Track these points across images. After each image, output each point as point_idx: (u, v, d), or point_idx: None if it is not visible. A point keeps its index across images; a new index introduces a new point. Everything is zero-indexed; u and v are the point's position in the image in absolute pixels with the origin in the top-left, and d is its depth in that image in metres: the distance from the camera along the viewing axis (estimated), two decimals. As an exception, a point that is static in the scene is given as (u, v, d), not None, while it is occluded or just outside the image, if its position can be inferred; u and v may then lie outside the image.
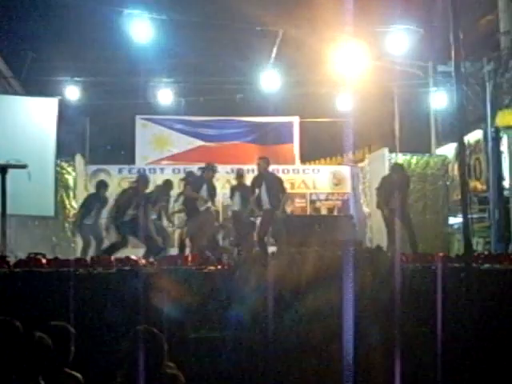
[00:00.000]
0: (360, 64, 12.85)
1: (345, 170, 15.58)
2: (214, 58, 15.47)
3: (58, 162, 13.02)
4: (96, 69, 14.57)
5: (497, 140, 13.76)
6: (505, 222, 13.36)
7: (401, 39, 12.45)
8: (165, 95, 15.03)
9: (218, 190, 11.82)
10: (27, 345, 3.61)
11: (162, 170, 14.49)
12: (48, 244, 12.52)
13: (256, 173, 11.31)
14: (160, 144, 15.39)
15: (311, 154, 17.35)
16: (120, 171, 14.26)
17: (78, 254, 11.94)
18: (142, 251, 10.22)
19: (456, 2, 6.17)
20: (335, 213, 14.69)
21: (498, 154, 13.75)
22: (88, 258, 9.83)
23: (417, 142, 15.94)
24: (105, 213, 11.53)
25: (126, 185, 12.33)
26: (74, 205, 13.44)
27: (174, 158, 15.23)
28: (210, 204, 10.87)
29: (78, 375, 4.06)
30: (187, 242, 11.03)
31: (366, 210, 14.47)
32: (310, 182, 15.19)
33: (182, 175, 12.58)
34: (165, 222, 11.77)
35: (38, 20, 15.09)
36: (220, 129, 15.73)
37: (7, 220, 8.80)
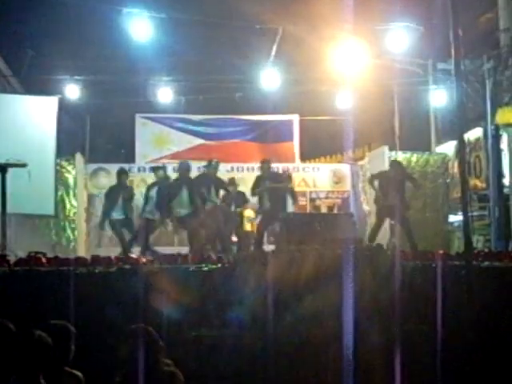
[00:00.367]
0: (360, 62, 12.83)
1: (345, 168, 15.59)
2: (214, 56, 15.47)
3: (58, 160, 13.00)
4: (96, 67, 14.56)
5: (497, 138, 13.77)
6: (505, 220, 13.37)
7: (400, 37, 12.44)
8: (164, 94, 15.02)
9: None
10: (27, 344, 3.61)
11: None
12: (48, 243, 12.53)
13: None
14: (160, 142, 15.40)
15: (311, 152, 17.36)
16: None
17: (79, 253, 11.98)
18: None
19: (455, -1, 6.17)
20: (335, 211, 14.70)
21: (497, 152, 13.76)
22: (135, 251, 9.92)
23: (417, 140, 15.94)
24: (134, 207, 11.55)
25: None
26: (73, 203, 13.44)
27: (173, 156, 15.22)
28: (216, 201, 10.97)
29: (79, 374, 4.06)
30: None
31: (365, 208, 14.47)
32: (310, 180, 15.20)
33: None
34: None
35: (37, 19, 15.06)
36: (220, 127, 15.73)
37: (7, 219, 8.81)
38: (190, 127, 15.54)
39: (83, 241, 13.68)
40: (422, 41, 13.39)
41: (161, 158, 15.20)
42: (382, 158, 13.98)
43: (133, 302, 6.29)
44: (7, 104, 12.56)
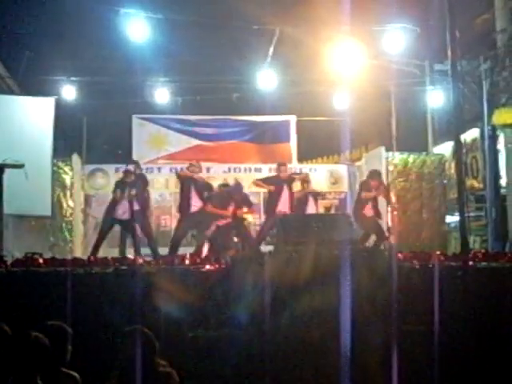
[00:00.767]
0: (357, 63, 12.84)
1: (342, 169, 15.61)
2: (211, 57, 15.47)
3: (55, 161, 13.00)
4: (93, 68, 14.54)
5: (493, 138, 13.80)
6: (501, 221, 13.39)
7: (397, 38, 12.45)
8: (161, 94, 15.01)
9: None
10: (23, 345, 3.61)
11: (159, 169, 14.50)
12: (45, 244, 12.51)
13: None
14: (157, 143, 15.38)
15: (308, 152, 17.37)
16: (117, 171, 14.21)
17: (76, 254, 11.97)
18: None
19: (452, 0, 6.18)
20: (332, 211, 14.71)
21: (494, 153, 13.79)
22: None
23: (414, 141, 15.95)
24: None
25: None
26: (70, 204, 13.44)
27: (171, 157, 15.22)
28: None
29: (76, 374, 4.06)
30: None
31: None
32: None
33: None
34: None
35: (34, 19, 15.06)
36: (217, 128, 15.72)
37: (4, 220, 8.80)
38: (187, 128, 15.53)
39: (80, 242, 13.66)
40: (419, 42, 13.39)
41: (158, 158, 15.19)
42: (379, 158, 14.01)
43: (130, 302, 6.29)
44: (4, 105, 12.54)
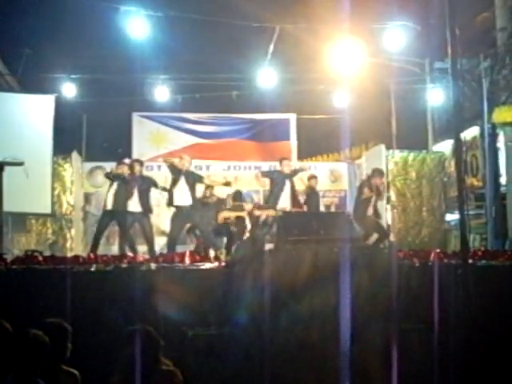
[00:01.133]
0: (357, 61, 12.82)
1: (342, 167, 15.60)
2: (211, 54, 15.48)
3: (55, 159, 12.99)
4: (92, 66, 14.53)
5: (493, 136, 13.79)
6: (501, 219, 13.39)
7: (397, 36, 12.43)
8: (161, 92, 14.99)
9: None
10: (23, 342, 3.61)
11: (159, 167, 14.47)
12: (45, 241, 12.52)
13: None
14: (157, 141, 15.36)
15: (308, 150, 17.36)
16: (117, 168, 14.22)
17: (76, 252, 11.95)
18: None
19: (452, -2, 6.17)
20: (332, 209, 14.71)
21: (494, 151, 13.78)
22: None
23: (414, 139, 15.95)
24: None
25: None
26: (70, 202, 13.43)
27: (170, 154, 15.15)
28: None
29: (76, 372, 4.06)
30: None
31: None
32: (307, 179, 15.17)
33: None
34: None
35: (34, 17, 15.06)
36: (217, 126, 15.70)
37: (4, 217, 8.80)
38: (187, 126, 15.51)
39: (80, 239, 13.66)
40: (419, 40, 13.39)
41: (157, 156, 15.15)
42: (379, 156, 14.01)
43: (130, 300, 6.29)
44: (4, 102, 12.53)
